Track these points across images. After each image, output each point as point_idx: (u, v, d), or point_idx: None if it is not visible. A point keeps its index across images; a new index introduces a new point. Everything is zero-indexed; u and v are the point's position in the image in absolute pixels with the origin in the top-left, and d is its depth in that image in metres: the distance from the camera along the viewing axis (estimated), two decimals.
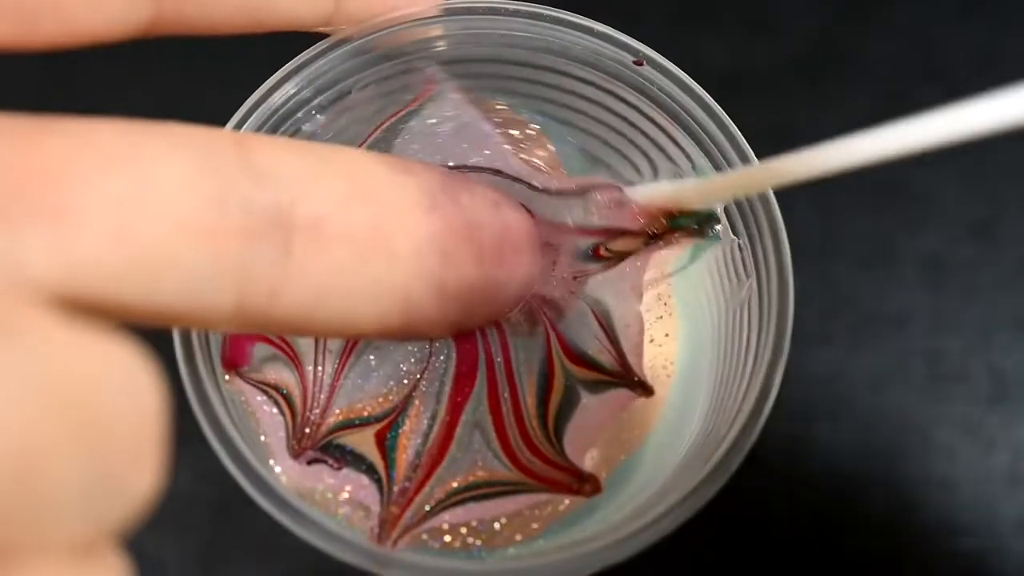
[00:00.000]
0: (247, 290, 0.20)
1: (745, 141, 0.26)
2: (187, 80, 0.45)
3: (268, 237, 0.20)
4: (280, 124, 0.27)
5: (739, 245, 0.27)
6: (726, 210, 0.27)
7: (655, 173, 0.28)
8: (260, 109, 0.26)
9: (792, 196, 0.26)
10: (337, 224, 0.21)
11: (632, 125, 0.28)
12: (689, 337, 0.29)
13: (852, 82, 0.46)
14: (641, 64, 0.27)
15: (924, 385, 0.43)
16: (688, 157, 0.27)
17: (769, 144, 0.43)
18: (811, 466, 0.41)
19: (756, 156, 0.27)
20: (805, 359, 0.42)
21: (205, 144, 0.19)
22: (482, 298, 0.24)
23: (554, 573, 0.24)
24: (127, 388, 0.17)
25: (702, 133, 0.27)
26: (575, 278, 0.27)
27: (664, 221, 0.27)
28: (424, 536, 0.28)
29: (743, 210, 0.26)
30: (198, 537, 0.41)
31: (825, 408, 0.42)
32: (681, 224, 0.27)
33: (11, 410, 0.15)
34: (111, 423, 0.16)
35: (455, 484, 0.28)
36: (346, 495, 0.28)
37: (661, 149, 0.28)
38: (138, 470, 0.17)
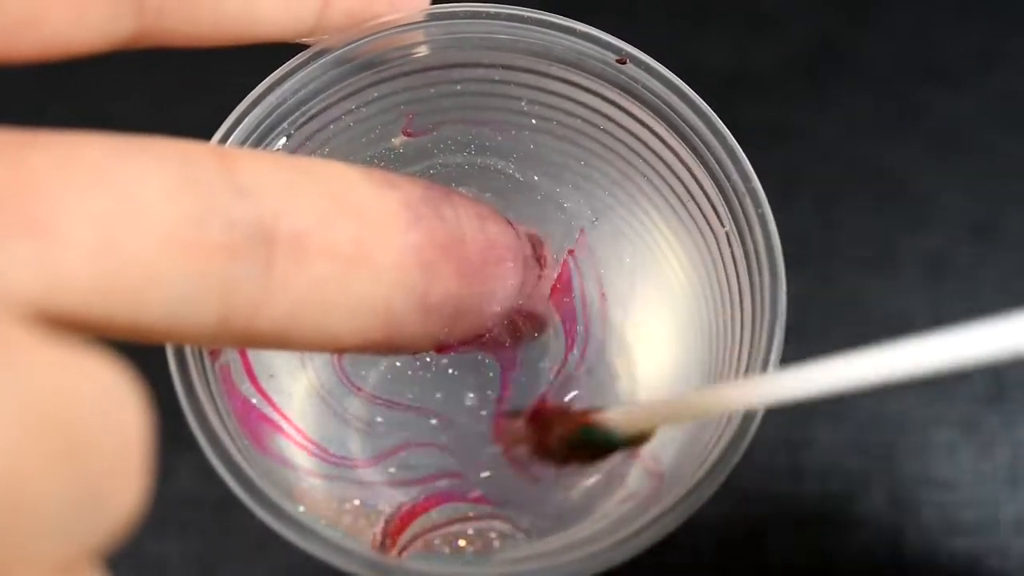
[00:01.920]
0: (230, 306, 0.20)
1: (731, 135, 0.26)
2: (183, 84, 0.45)
3: (251, 252, 0.20)
4: (264, 137, 0.27)
5: (727, 236, 0.27)
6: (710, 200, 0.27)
7: (641, 173, 0.28)
8: (243, 123, 0.26)
9: (793, 197, 0.26)
10: (319, 239, 0.21)
11: (618, 124, 0.28)
12: (681, 334, 0.29)
13: (852, 82, 0.46)
14: (624, 62, 0.27)
15: (924, 385, 0.42)
16: (674, 153, 0.27)
17: (769, 143, 0.43)
18: (811, 465, 0.41)
19: (751, 155, 0.26)
20: (806, 360, 0.42)
21: (187, 159, 0.19)
22: (465, 312, 0.24)
23: (555, 575, 0.24)
24: (111, 407, 0.17)
25: (687, 129, 0.26)
26: None
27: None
28: (420, 544, 0.28)
29: (731, 203, 0.26)
30: (199, 536, 0.41)
31: (825, 408, 0.42)
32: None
33: None
34: (95, 443, 0.16)
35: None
36: (347, 505, 0.28)
37: (647, 147, 0.28)
38: (122, 489, 0.17)
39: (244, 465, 0.24)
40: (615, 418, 0.25)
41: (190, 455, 0.35)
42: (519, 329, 0.26)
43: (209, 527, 0.41)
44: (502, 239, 0.25)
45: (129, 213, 0.18)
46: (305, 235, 0.20)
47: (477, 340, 0.26)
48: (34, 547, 0.16)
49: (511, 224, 0.26)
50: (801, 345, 0.41)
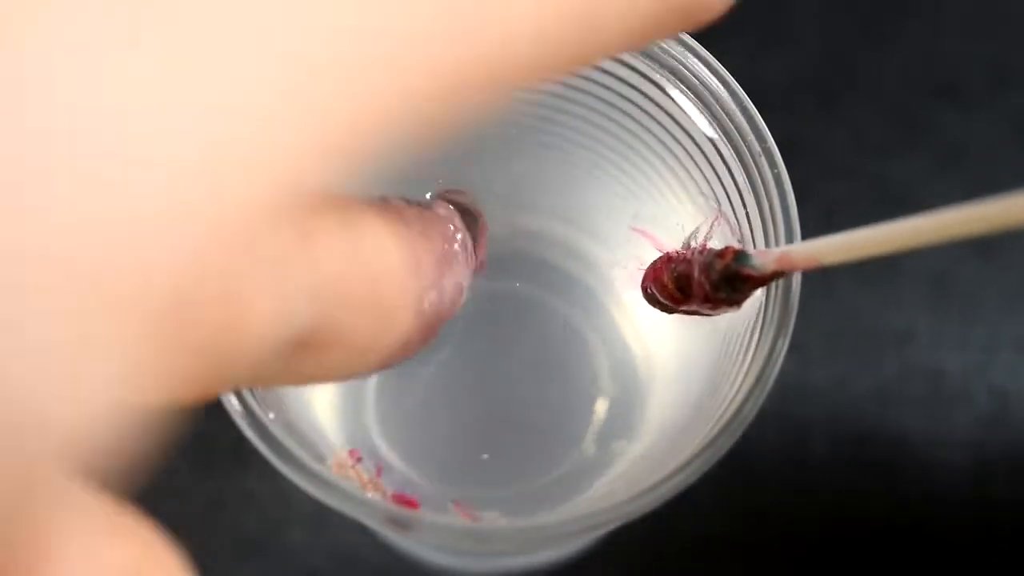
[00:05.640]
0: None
1: (746, 96, 0.27)
2: None
3: (283, 353, 0.19)
4: None
5: (741, 196, 0.27)
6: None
7: (654, 135, 0.29)
8: None
9: (799, 210, 0.26)
10: (343, 337, 0.20)
11: (631, 86, 0.28)
12: None
13: (862, 98, 0.46)
14: None
15: (925, 404, 0.42)
16: (688, 114, 0.27)
17: None
18: (809, 483, 0.41)
19: None
20: (806, 375, 0.42)
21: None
22: (441, 313, 0.24)
23: (573, 529, 0.24)
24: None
25: (703, 89, 0.27)
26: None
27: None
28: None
29: (746, 164, 0.27)
30: (191, 535, 0.40)
31: (825, 425, 0.41)
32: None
33: None
34: None
35: None
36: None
37: (661, 108, 0.28)
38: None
39: (268, 423, 0.24)
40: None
41: (187, 453, 0.36)
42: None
43: (201, 526, 0.40)
44: (461, 237, 0.25)
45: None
46: (335, 337, 0.20)
47: None
48: None
49: (456, 209, 0.26)
50: (801, 359, 0.41)
